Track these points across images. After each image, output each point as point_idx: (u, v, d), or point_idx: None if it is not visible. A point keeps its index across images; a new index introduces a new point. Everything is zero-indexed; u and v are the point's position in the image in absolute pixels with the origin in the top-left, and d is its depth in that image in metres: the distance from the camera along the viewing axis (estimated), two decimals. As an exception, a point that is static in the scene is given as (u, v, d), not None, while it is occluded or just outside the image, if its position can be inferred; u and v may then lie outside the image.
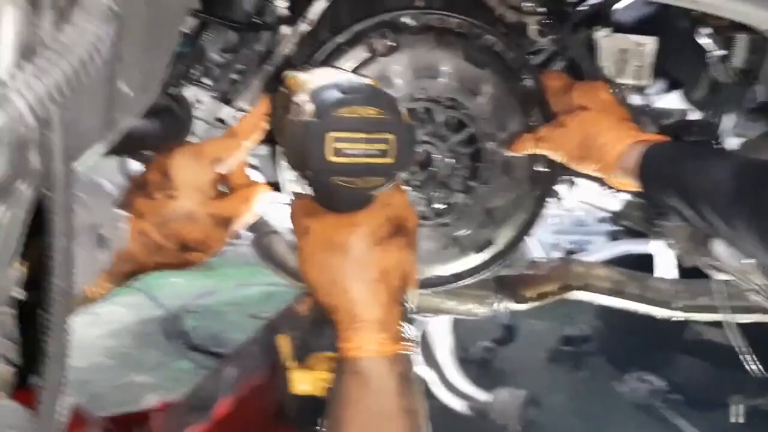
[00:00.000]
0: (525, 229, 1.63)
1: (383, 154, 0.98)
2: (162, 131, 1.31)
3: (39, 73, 0.39)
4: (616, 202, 1.88)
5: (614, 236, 3.33)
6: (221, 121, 1.51)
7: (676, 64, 2.15)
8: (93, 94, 0.48)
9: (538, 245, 3.94)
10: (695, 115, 2.14)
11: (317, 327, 1.07)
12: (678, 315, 2.01)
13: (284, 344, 1.11)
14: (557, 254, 3.14)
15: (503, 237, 1.61)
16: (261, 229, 1.84)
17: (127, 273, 1.12)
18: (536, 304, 1.95)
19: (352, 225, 1.02)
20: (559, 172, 1.60)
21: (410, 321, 1.06)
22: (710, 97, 2.25)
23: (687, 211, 1.22)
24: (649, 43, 1.68)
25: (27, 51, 0.40)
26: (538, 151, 1.49)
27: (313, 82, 1.03)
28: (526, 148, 1.49)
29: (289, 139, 1.04)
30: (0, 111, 0.37)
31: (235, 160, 1.16)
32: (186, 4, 0.59)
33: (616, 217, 1.91)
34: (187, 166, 1.11)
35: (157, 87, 0.57)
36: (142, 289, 3.82)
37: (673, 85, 2.39)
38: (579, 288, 1.98)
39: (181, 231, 1.10)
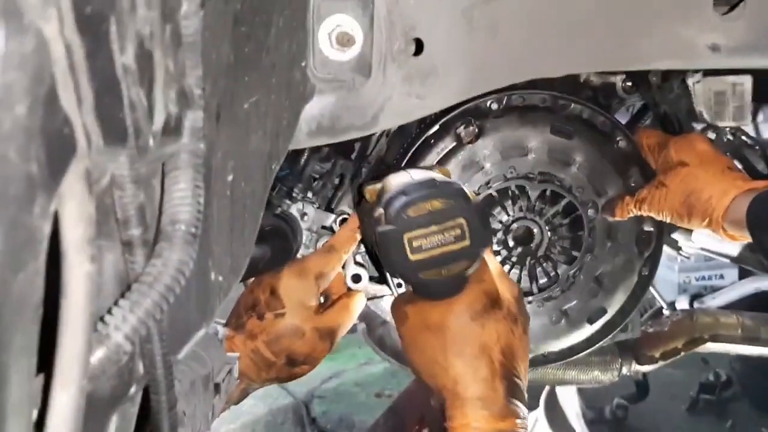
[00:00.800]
0: (639, 292, 1.57)
1: (459, 239, 1.02)
2: (274, 253, 1.38)
3: (133, 307, 0.43)
4: (734, 246, 1.79)
5: (744, 269, 3.13)
6: (329, 228, 1.58)
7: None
8: (188, 298, 0.52)
9: (666, 286, 3.79)
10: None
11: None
12: (822, 356, 1.86)
13: None
14: (684, 298, 2.98)
15: (615, 304, 1.56)
16: (372, 320, 1.87)
17: (240, 392, 1.17)
18: (664, 363, 1.86)
19: (446, 305, 1.04)
20: (666, 230, 1.54)
21: (522, 395, 1.05)
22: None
23: None
24: (745, 82, 1.61)
25: (123, 286, 0.45)
26: (641, 213, 1.45)
27: (385, 191, 1.09)
28: (629, 212, 1.46)
29: (376, 248, 1.09)
30: (101, 347, 0.42)
31: (335, 272, 1.22)
32: (265, 190, 0.64)
33: (735, 262, 1.81)
34: (294, 285, 1.18)
35: (245, 264, 0.62)
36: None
37: (781, 109, 2.27)
38: (709, 340, 1.88)
39: (290, 347, 1.15)
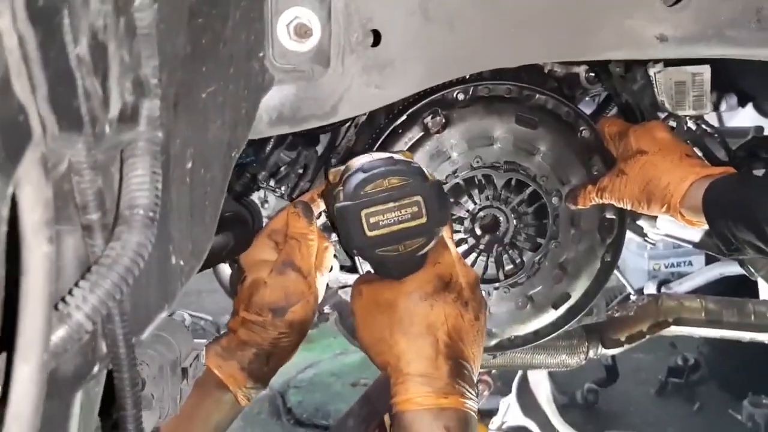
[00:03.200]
0: (602, 277, 1.62)
1: (416, 216, 1.04)
2: (235, 241, 1.39)
3: (92, 287, 0.45)
4: (696, 232, 1.84)
5: (710, 256, 3.20)
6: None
7: (744, 76, 2.09)
8: (148, 279, 0.54)
9: (636, 273, 3.86)
10: (771, 129, 2.08)
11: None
12: (786, 338, 1.92)
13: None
14: (652, 284, 3.04)
15: (579, 289, 1.60)
16: (345, 309, 1.90)
17: (264, 365, 1.21)
18: (630, 346, 1.90)
19: (398, 284, 1.07)
20: (627, 217, 1.58)
21: (469, 378, 1.06)
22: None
23: (756, 242, 1.18)
24: (704, 72, 1.65)
25: (84, 268, 0.47)
26: (603, 202, 1.48)
27: (345, 171, 1.11)
28: (590, 200, 1.49)
29: (336, 225, 1.11)
30: (63, 326, 0.44)
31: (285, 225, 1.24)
32: (225, 178, 0.66)
33: (696, 247, 1.86)
34: (250, 251, 1.24)
35: (206, 249, 0.64)
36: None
37: (743, 99, 2.33)
38: (673, 323, 1.93)
39: (262, 299, 1.17)
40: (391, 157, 1.08)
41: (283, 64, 0.73)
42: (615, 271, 2.10)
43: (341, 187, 1.06)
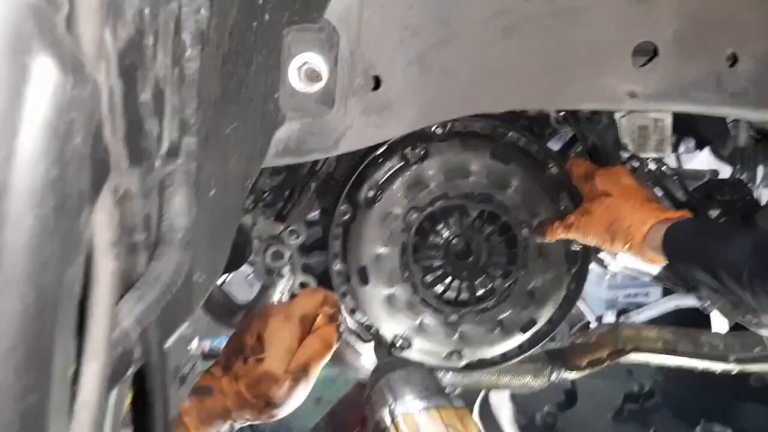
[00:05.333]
0: (567, 305, 1.71)
1: None
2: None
3: (139, 299, 0.52)
4: (654, 267, 1.94)
5: (667, 288, 3.33)
6: (276, 237, 1.66)
7: (702, 122, 2.22)
8: (176, 294, 0.61)
9: (595, 302, 3.97)
10: (726, 173, 2.21)
11: None
12: (735, 368, 2.03)
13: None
14: (611, 313, 3.16)
15: (545, 315, 1.69)
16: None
17: (219, 423, 1.22)
18: (590, 371, 2.00)
19: None
20: (593, 249, 1.68)
21: None
22: (739, 152, 2.32)
23: (711, 282, 1.29)
24: (666, 118, 1.77)
25: (127, 282, 0.54)
26: (569, 237, 1.58)
27: None
28: (557, 235, 1.59)
29: None
30: (115, 331, 0.51)
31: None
32: (240, 205, 0.73)
33: (654, 280, 1.97)
34: (278, 329, 1.23)
35: (221, 269, 0.71)
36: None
37: (701, 143, 2.46)
38: (631, 351, 2.03)
39: (267, 391, 1.20)
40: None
41: (292, 104, 0.80)
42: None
43: None
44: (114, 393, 0.58)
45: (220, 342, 4.63)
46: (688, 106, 0.93)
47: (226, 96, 0.66)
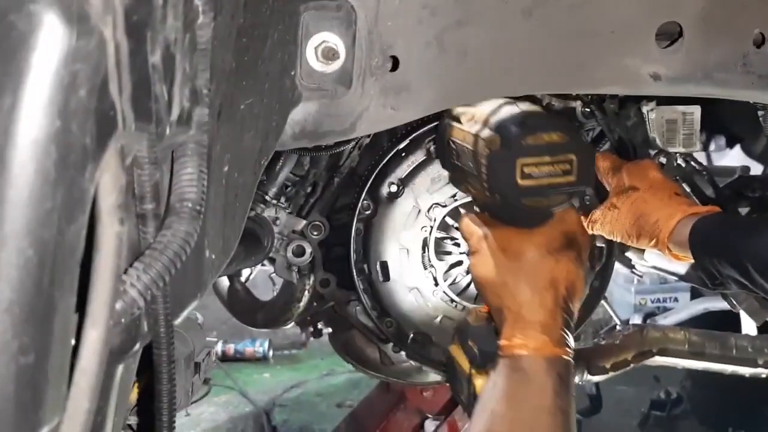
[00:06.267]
0: (591, 303, 1.68)
1: (566, 173, 1.10)
2: (246, 253, 1.45)
3: (146, 268, 0.51)
4: (682, 265, 1.90)
5: (695, 292, 3.27)
6: (299, 233, 1.65)
7: (733, 119, 2.18)
8: (186, 268, 0.60)
9: (623, 306, 3.93)
10: (758, 171, 2.16)
11: (491, 334, 1.16)
12: (765, 371, 1.98)
13: (459, 354, 1.23)
14: (638, 317, 3.12)
15: (570, 314, 1.66)
16: (339, 324, 1.95)
17: None
18: (614, 374, 1.95)
19: (529, 235, 1.14)
20: (619, 248, 1.65)
21: (572, 330, 1.14)
22: (770, 150, 2.27)
23: (739, 278, 1.25)
24: (695, 112, 1.73)
25: (136, 252, 0.53)
26: (593, 232, 1.55)
27: (492, 116, 1.13)
28: None
29: (474, 167, 1.15)
30: (119, 300, 0.50)
31: None
32: (254, 183, 0.72)
33: (681, 279, 1.93)
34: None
35: (234, 247, 0.70)
36: (234, 387, 3.96)
37: (731, 141, 2.42)
38: (657, 354, 1.98)
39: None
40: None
41: (309, 83, 0.79)
42: (603, 303, 2.17)
43: (494, 134, 1.08)
44: (120, 368, 0.57)
45: (245, 345, 4.65)
46: (713, 89, 0.91)
47: (241, 70, 0.65)
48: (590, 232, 1.56)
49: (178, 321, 0.64)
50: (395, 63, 0.83)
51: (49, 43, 0.37)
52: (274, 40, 0.69)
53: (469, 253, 1.21)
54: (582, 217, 1.57)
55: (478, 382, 1.16)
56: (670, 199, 1.47)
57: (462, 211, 1.53)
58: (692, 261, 1.43)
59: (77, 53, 0.37)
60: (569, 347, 1.11)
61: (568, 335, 1.12)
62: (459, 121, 1.24)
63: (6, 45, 0.36)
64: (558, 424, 1.04)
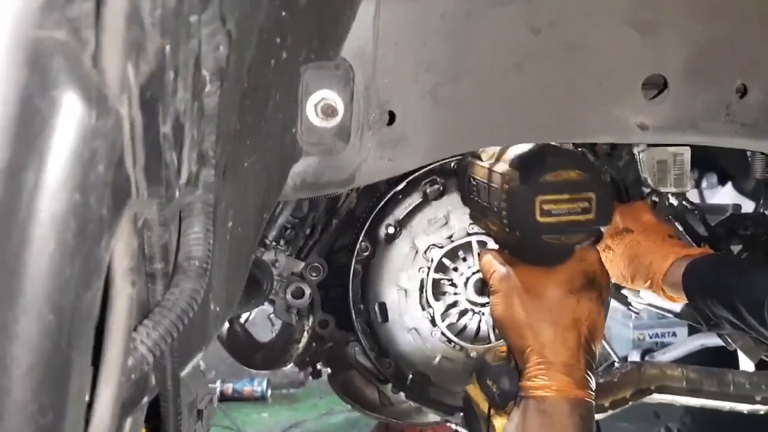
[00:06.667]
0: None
1: (585, 211, 1.10)
2: (247, 298, 1.47)
3: (155, 325, 0.53)
4: (678, 304, 1.92)
5: (692, 328, 3.28)
6: (298, 275, 1.67)
7: (724, 157, 2.22)
8: (192, 323, 0.62)
9: (621, 342, 3.93)
10: (750, 208, 2.19)
11: (511, 373, 1.17)
12: (762, 408, 1.98)
13: (477, 394, 1.23)
14: (636, 353, 3.11)
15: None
16: (338, 365, 1.96)
17: None
18: (613, 411, 1.96)
19: (550, 274, 1.15)
20: (616, 285, 1.67)
21: (594, 371, 1.14)
22: (762, 186, 2.31)
23: (732, 318, 1.27)
24: (685, 153, 1.77)
25: (145, 310, 0.55)
26: None
27: (511, 152, 1.15)
28: None
29: (493, 204, 1.16)
30: (129, 356, 0.52)
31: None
32: (257, 236, 0.75)
33: (677, 317, 1.94)
34: None
35: (238, 298, 0.72)
36: (233, 427, 3.93)
37: (723, 178, 2.45)
38: (655, 391, 1.99)
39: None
40: (571, 150, 1.16)
41: (309, 138, 0.82)
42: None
43: (513, 170, 1.09)
44: (129, 421, 0.59)
45: (243, 384, 4.63)
46: (699, 137, 0.94)
47: (244, 130, 0.68)
48: None
49: (183, 373, 0.66)
50: (392, 117, 0.87)
51: (70, 123, 0.40)
52: (276, 101, 0.73)
53: (489, 293, 1.21)
54: None
55: (498, 423, 1.16)
56: (663, 242, 1.50)
57: (478, 247, 1.55)
58: (686, 301, 1.46)
59: (96, 132, 0.40)
60: (591, 390, 1.11)
61: (590, 377, 1.12)
62: (480, 158, 1.25)
63: (30, 127, 0.39)
64: None
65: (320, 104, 0.81)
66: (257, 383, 4.53)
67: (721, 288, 1.30)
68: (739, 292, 1.25)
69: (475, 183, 1.27)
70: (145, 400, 0.59)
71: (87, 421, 0.46)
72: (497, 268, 1.19)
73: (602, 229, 1.16)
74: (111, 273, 0.47)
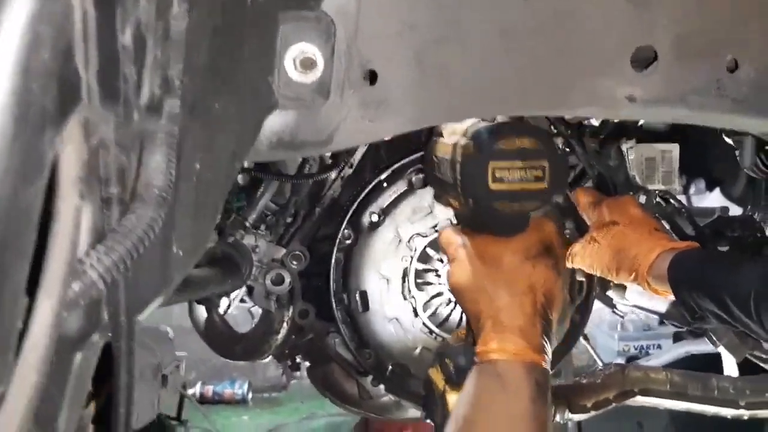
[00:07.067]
0: (571, 338, 1.67)
1: (538, 179, 1.11)
2: (223, 277, 1.44)
3: (107, 251, 0.50)
4: (663, 303, 1.90)
5: (679, 337, 3.26)
6: (279, 261, 1.64)
7: (714, 161, 2.21)
8: (151, 260, 0.59)
9: (607, 352, 3.91)
10: (736, 212, 2.18)
11: (468, 350, 1.15)
12: (746, 413, 1.97)
13: (436, 375, 1.22)
14: (621, 359, 3.10)
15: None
16: (317, 358, 1.92)
17: None
18: (596, 413, 1.93)
19: (507, 242, 1.15)
20: (597, 282, 1.65)
21: (551, 338, 1.13)
22: (749, 192, 2.30)
23: (718, 311, 1.25)
24: (673, 150, 1.76)
25: (100, 236, 0.52)
26: (573, 266, 1.55)
27: (471, 127, 1.17)
28: None
29: (451, 176, 1.17)
30: (77, 281, 0.49)
31: None
32: (227, 184, 0.72)
33: (662, 318, 1.92)
34: None
35: (204, 248, 0.69)
36: (212, 430, 3.87)
37: (711, 184, 2.45)
38: (639, 393, 1.97)
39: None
40: (524, 120, 1.15)
41: (287, 92, 0.80)
42: (587, 346, 2.16)
43: (470, 141, 1.11)
44: (78, 357, 0.56)
45: (224, 387, 4.57)
46: (688, 112, 0.92)
47: (216, 69, 0.65)
48: (570, 265, 1.56)
49: (142, 317, 0.63)
50: (374, 77, 0.84)
51: (14, 4, 0.37)
52: (251, 45, 0.70)
53: (448, 263, 1.21)
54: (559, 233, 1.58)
55: (451, 398, 1.14)
56: (650, 234, 1.48)
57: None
58: (672, 297, 1.44)
59: (41, 15, 0.37)
60: (547, 356, 1.10)
61: (546, 344, 1.11)
62: (442, 136, 1.27)
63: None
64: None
65: (299, 57, 0.78)
66: (238, 386, 4.48)
67: (707, 280, 1.28)
68: (726, 284, 1.23)
69: (437, 160, 1.28)
70: (96, 336, 0.56)
71: (22, 335, 0.43)
72: (455, 239, 1.19)
73: (555, 198, 1.16)
74: (58, 179, 0.44)
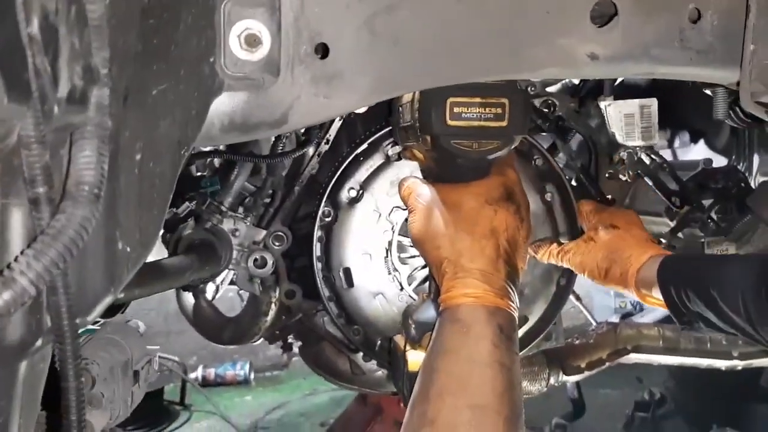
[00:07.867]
0: (558, 300, 1.66)
1: (498, 117, 1.07)
2: (201, 264, 1.42)
3: (36, 254, 0.48)
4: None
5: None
6: (259, 243, 1.62)
7: (694, 114, 2.19)
8: (95, 259, 0.57)
9: (604, 310, 3.92)
10: (721, 163, 2.17)
11: (429, 306, 1.14)
12: (740, 363, 1.97)
13: (400, 340, 1.23)
14: (616, 317, 3.10)
15: (537, 312, 1.64)
16: (308, 337, 1.91)
17: None
18: (590, 373, 1.93)
19: (468, 187, 1.13)
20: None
21: (517, 285, 1.11)
22: (733, 142, 2.28)
23: (706, 311, 1.24)
24: (652, 105, 1.74)
25: (30, 239, 0.50)
26: (562, 264, 1.55)
27: None
28: (550, 257, 1.57)
29: (410, 116, 1.14)
30: (7, 290, 0.47)
31: None
32: (174, 173, 0.70)
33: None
34: None
35: (154, 240, 0.67)
36: (216, 412, 3.89)
37: (695, 136, 2.43)
38: (632, 351, 1.97)
39: None
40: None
41: (234, 71, 0.77)
42: (581, 307, 2.15)
43: None
44: (24, 366, 0.54)
45: (225, 369, 4.58)
46: (653, 66, 0.90)
47: (150, 53, 0.63)
48: (559, 263, 1.56)
49: (90, 318, 0.61)
50: (325, 50, 0.81)
51: None
52: (187, 24, 0.67)
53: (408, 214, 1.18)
54: (554, 246, 1.57)
55: (412, 357, 1.12)
56: (645, 242, 1.50)
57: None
58: (659, 302, 1.42)
59: None
60: (513, 302, 1.08)
61: (512, 289, 1.08)
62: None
63: None
64: (495, 378, 0.96)
65: (243, 34, 0.75)
66: (239, 367, 4.49)
67: (696, 278, 1.28)
68: (715, 282, 1.23)
69: (401, 109, 1.25)
70: (39, 342, 0.54)
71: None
72: (415, 188, 1.18)
73: (516, 137, 1.12)
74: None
